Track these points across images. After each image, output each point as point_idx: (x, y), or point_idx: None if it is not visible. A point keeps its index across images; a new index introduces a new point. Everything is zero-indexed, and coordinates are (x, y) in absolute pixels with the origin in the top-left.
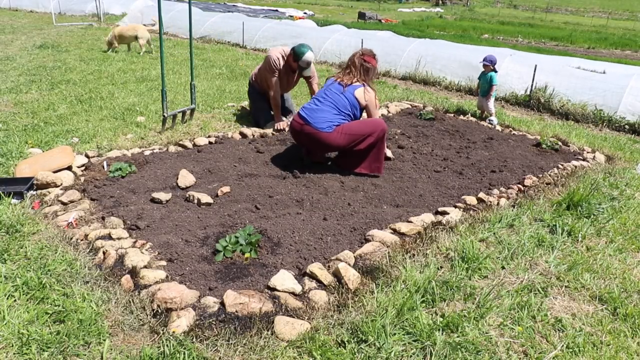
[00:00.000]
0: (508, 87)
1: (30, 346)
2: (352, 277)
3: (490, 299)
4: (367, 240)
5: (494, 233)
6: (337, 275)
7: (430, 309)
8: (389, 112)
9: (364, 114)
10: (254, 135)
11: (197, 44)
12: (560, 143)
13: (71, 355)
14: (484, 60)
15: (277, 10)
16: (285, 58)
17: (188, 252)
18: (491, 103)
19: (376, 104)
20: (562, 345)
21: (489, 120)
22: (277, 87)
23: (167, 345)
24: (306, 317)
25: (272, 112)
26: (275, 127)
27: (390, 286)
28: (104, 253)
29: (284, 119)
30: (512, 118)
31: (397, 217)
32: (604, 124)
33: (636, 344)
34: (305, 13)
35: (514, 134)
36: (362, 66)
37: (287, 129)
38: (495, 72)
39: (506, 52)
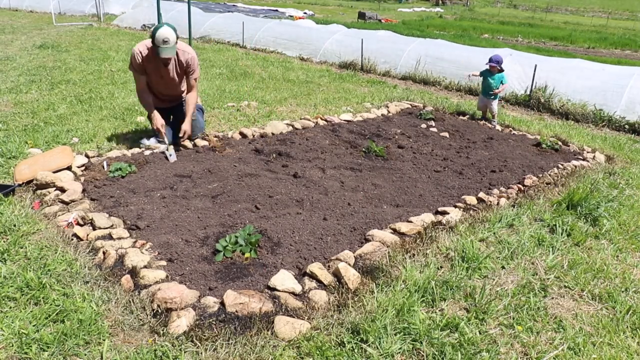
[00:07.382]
0: (508, 87)
1: (30, 346)
2: (352, 277)
3: (490, 299)
4: (367, 240)
5: (494, 233)
6: (337, 275)
7: (430, 308)
8: (389, 112)
9: None
10: (254, 135)
11: (197, 43)
12: (560, 143)
13: (71, 355)
14: (490, 61)
15: (277, 10)
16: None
17: (188, 252)
18: (496, 104)
19: None
20: (562, 346)
21: (493, 122)
22: (141, 85)
23: (167, 345)
24: (306, 317)
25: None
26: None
27: (390, 286)
28: (104, 253)
29: (157, 116)
30: (512, 118)
31: (397, 217)
32: (604, 123)
33: (636, 344)
34: (305, 13)
35: (514, 133)
36: None
37: (162, 130)
38: (503, 71)
39: (506, 52)
